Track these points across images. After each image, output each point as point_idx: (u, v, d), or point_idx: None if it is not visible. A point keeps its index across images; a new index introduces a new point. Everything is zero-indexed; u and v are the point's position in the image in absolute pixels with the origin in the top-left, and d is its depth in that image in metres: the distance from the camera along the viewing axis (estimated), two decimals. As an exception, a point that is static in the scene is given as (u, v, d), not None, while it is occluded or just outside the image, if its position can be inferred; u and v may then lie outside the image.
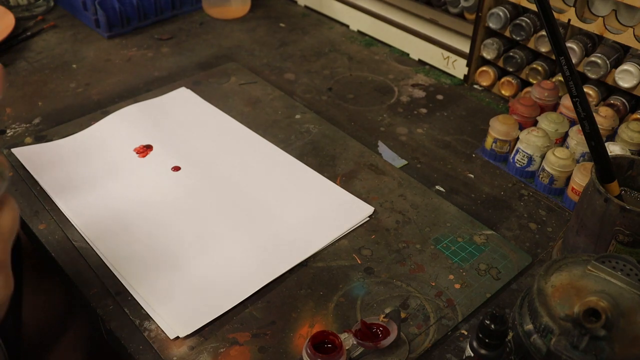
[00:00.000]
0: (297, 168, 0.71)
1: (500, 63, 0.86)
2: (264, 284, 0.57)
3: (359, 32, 1.03)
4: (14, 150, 0.71)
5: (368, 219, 0.65)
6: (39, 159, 0.70)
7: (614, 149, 0.67)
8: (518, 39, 0.82)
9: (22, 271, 0.85)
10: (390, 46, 0.99)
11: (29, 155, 0.71)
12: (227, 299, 0.56)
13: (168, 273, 0.58)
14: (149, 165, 0.70)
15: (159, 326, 0.53)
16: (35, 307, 0.86)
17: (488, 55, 0.86)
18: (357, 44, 1.00)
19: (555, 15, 0.76)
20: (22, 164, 0.70)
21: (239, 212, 0.65)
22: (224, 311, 0.54)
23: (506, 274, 0.59)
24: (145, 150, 0.72)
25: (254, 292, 0.56)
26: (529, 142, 0.70)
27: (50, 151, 0.72)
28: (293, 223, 0.64)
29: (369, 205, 0.66)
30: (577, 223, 0.55)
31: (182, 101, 0.82)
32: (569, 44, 0.76)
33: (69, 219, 0.63)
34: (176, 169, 0.70)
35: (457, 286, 0.58)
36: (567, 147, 0.71)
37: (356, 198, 0.67)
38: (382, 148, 0.77)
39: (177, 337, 0.52)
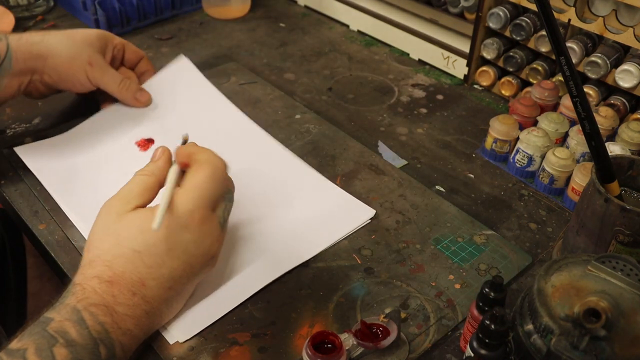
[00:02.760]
0: (298, 167, 0.71)
1: (501, 63, 0.86)
2: (263, 286, 0.57)
3: (359, 32, 1.03)
4: (17, 149, 0.71)
5: (369, 220, 0.65)
6: (41, 156, 0.70)
7: (614, 149, 0.67)
8: (518, 38, 0.82)
9: (25, 266, 0.86)
10: (390, 46, 0.99)
11: (31, 153, 0.70)
12: (227, 301, 0.55)
13: None
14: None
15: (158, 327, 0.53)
16: (38, 298, 0.88)
17: (488, 55, 0.86)
18: (357, 44, 1.00)
19: (556, 15, 0.76)
20: (21, 164, 0.69)
21: (240, 214, 0.65)
22: (223, 314, 0.54)
23: (506, 274, 0.59)
24: (146, 143, 0.72)
25: (252, 294, 0.56)
26: (529, 142, 0.70)
27: (52, 147, 0.72)
28: (293, 226, 0.64)
29: (370, 208, 0.66)
30: (577, 223, 0.55)
31: (181, 78, 0.81)
32: (569, 44, 0.76)
33: (70, 218, 0.63)
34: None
35: (457, 286, 0.58)
36: (567, 147, 0.71)
37: (357, 200, 0.67)
38: (382, 148, 0.76)
39: (176, 342, 0.52)
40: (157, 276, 0.49)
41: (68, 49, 0.70)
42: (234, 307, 0.55)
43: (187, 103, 0.79)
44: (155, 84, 0.79)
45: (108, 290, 0.47)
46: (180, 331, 0.53)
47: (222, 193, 0.54)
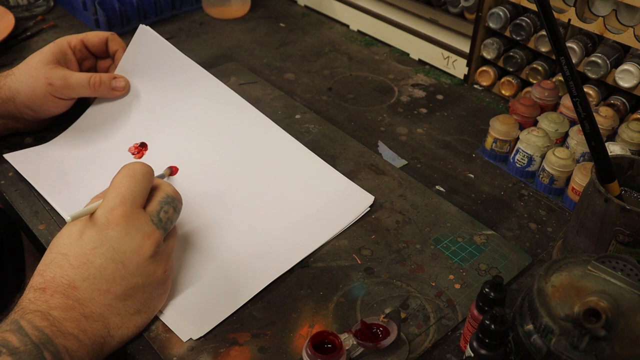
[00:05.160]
0: (294, 148, 0.71)
1: (501, 63, 0.86)
2: (274, 278, 0.57)
3: (359, 32, 1.03)
4: (6, 156, 0.70)
5: (369, 209, 0.65)
6: (33, 163, 0.69)
7: (614, 149, 0.67)
8: (518, 38, 0.82)
9: (24, 266, 0.86)
10: (390, 46, 0.99)
11: (22, 159, 0.70)
12: (237, 297, 0.56)
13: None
14: None
15: (158, 326, 0.53)
16: None
17: (488, 55, 0.86)
18: (357, 44, 1.00)
19: (556, 15, 0.76)
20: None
21: (240, 211, 0.65)
22: (235, 309, 0.55)
23: (506, 274, 0.59)
24: (140, 150, 0.72)
25: (264, 287, 0.57)
26: (529, 142, 0.70)
27: (44, 155, 0.71)
28: (295, 218, 0.64)
29: (369, 195, 0.67)
30: (577, 223, 0.55)
31: (151, 51, 0.76)
32: (569, 44, 0.76)
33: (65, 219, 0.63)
34: (174, 170, 0.69)
35: (457, 286, 0.58)
36: (567, 147, 0.71)
37: (357, 186, 0.68)
38: (382, 148, 0.76)
39: (177, 342, 0.52)
40: (86, 277, 0.49)
41: (26, 82, 0.69)
42: (245, 302, 0.55)
43: (165, 79, 0.76)
44: (128, 65, 0.76)
45: (41, 297, 0.47)
46: (193, 328, 0.53)
47: (146, 190, 0.53)
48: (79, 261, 0.49)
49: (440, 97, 0.87)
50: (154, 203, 0.54)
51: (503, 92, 0.87)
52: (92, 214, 0.51)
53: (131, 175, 0.53)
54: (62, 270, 0.49)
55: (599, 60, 0.74)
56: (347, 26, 1.04)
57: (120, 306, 0.50)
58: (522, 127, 0.74)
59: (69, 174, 0.69)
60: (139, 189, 0.52)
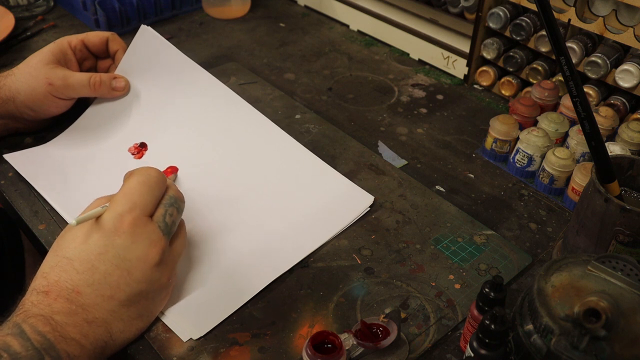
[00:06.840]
0: (294, 148, 0.71)
1: (501, 63, 0.86)
2: (274, 278, 0.57)
3: (359, 32, 1.03)
4: (6, 156, 0.70)
5: (369, 209, 0.65)
6: (33, 163, 0.69)
7: (614, 149, 0.67)
8: (518, 38, 0.82)
9: (24, 266, 0.86)
10: (390, 46, 0.99)
11: (22, 160, 0.70)
12: (237, 297, 0.56)
13: None
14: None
15: (158, 326, 0.53)
16: None
17: (488, 55, 0.86)
18: (357, 44, 1.00)
19: (556, 15, 0.76)
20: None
21: (240, 211, 0.65)
22: (235, 309, 0.55)
23: (506, 274, 0.59)
24: (140, 150, 0.72)
25: (264, 287, 0.57)
26: (529, 142, 0.70)
27: (44, 155, 0.71)
28: (295, 218, 0.64)
29: (369, 195, 0.67)
30: (577, 223, 0.55)
31: (152, 51, 0.76)
32: (569, 44, 0.76)
33: (68, 220, 0.63)
34: (174, 169, 0.69)
35: (457, 286, 0.58)
36: (567, 147, 0.71)
37: (357, 186, 0.68)
38: (382, 148, 0.76)
39: (177, 342, 0.52)
40: (90, 282, 0.48)
41: (26, 82, 0.69)
42: (246, 301, 0.55)
43: (165, 79, 0.76)
44: (129, 65, 0.76)
45: (44, 301, 0.47)
46: (194, 328, 0.53)
47: (157, 199, 0.53)
48: (83, 267, 0.49)
49: (440, 97, 0.87)
50: (160, 207, 0.53)
51: (503, 92, 0.87)
52: (98, 217, 0.51)
53: (145, 181, 0.52)
54: (66, 275, 0.48)
55: (599, 60, 0.74)
56: (347, 26, 1.04)
57: (124, 312, 0.50)
58: (522, 127, 0.74)
59: (69, 174, 0.69)
60: (150, 196, 0.52)
